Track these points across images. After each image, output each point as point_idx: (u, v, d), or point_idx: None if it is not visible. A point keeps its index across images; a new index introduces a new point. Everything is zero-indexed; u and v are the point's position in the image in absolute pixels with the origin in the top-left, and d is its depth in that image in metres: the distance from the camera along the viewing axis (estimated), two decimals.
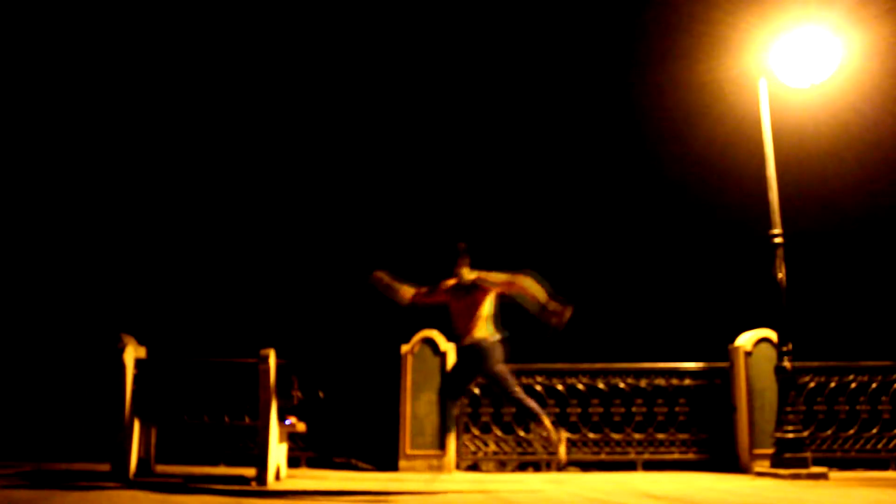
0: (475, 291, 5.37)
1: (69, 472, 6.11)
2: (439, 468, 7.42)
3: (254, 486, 5.47)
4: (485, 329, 5.33)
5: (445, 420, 5.56)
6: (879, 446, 7.78)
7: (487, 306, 5.37)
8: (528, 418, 5.53)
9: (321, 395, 7.75)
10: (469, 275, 5.42)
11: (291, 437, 7.06)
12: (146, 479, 5.68)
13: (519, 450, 7.83)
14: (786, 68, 7.50)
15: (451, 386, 5.50)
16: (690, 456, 7.83)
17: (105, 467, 5.87)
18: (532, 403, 5.39)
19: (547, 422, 5.30)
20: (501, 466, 8.04)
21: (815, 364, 7.88)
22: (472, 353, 5.32)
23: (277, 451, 5.94)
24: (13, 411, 7.58)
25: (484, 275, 5.40)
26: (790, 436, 6.92)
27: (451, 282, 5.49)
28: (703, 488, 5.98)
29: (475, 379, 5.69)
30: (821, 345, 8.52)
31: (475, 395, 7.82)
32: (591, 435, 7.84)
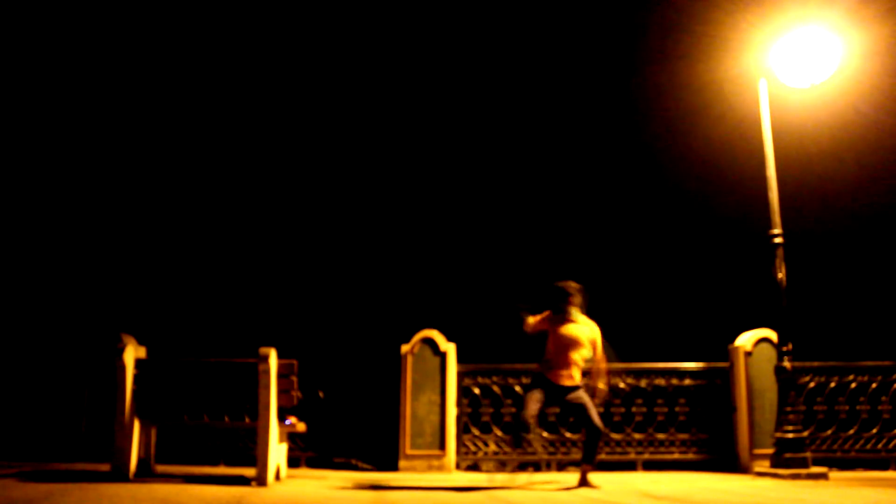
0: (581, 338, 5.88)
1: (69, 472, 6.11)
2: (439, 468, 7.42)
3: (254, 486, 5.46)
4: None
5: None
6: (879, 446, 7.79)
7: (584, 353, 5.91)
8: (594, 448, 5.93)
9: (321, 395, 7.75)
10: (577, 317, 5.92)
11: (291, 437, 7.07)
12: (146, 479, 5.68)
13: (519, 450, 7.82)
14: (786, 68, 7.50)
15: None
16: (690, 456, 7.83)
17: (105, 467, 5.88)
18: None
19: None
20: (501, 466, 8.03)
21: (815, 364, 7.89)
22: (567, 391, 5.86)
23: (277, 451, 5.94)
24: (13, 411, 7.59)
25: (595, 337, 5.97)
26: (790, 436, 6.92)
27: (559, 317, 5.93)
28: (702, 488, 5.98)
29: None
30: (821, 345, 8.52)
31: (475, 395, 7.82)
32: None
